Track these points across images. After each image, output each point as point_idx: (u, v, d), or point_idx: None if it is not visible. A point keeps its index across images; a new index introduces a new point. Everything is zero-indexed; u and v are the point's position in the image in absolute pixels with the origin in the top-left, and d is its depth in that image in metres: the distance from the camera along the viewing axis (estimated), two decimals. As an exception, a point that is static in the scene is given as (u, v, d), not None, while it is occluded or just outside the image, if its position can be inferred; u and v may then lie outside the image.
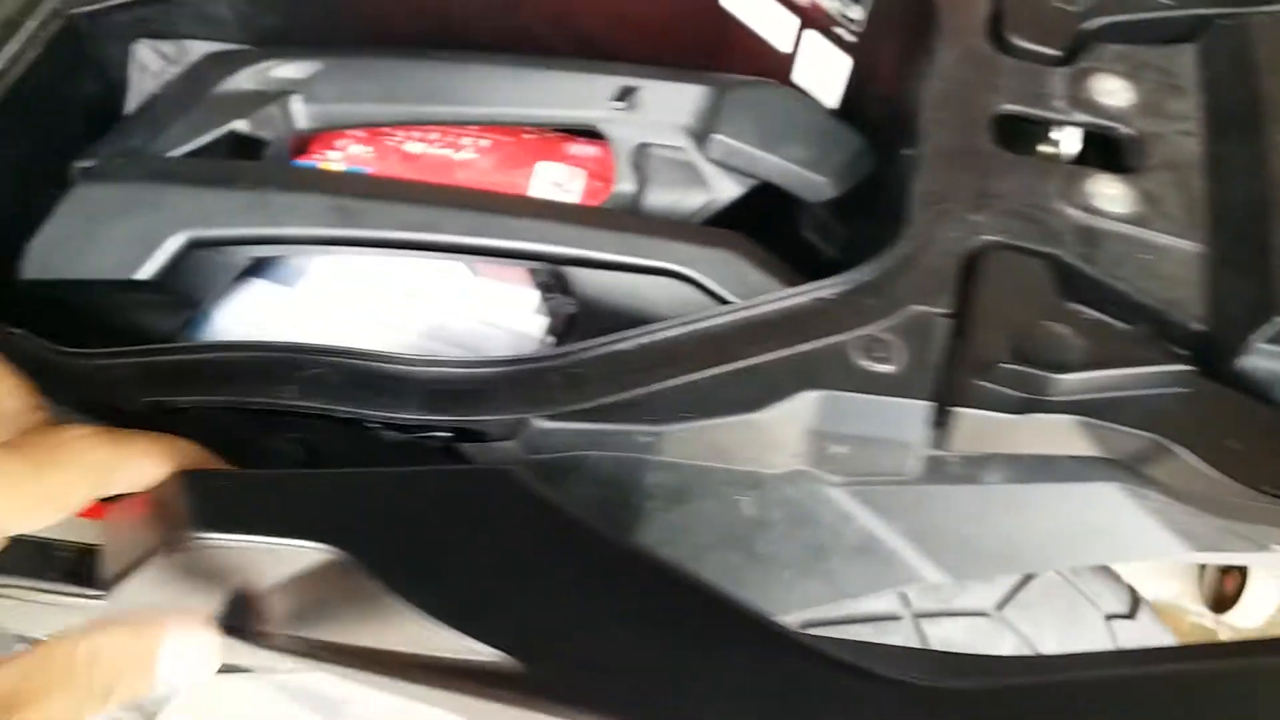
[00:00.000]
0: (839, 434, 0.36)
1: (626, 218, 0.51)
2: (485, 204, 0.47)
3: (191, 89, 0.55)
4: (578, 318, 0.47)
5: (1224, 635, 0.96)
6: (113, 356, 0.37)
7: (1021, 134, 0.43)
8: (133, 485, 0.30)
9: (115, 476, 0.30)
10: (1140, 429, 0.33)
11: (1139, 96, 0.43)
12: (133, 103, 0.56)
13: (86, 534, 0.41)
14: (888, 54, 0.50)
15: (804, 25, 0.53)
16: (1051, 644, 0.63)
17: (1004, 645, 0.63)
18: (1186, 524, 0.37)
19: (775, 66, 0.56)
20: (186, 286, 0.46)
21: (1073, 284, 0.37)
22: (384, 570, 0.27)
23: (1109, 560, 0.59)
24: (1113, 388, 0.34)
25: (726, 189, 0.53)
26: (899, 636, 0.62)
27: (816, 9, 0.52)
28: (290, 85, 0.55)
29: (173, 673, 0.30)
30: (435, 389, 0.36)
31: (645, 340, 0.37)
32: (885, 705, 0.25)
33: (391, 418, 0.35)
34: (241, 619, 0.32)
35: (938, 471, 0.37)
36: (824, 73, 0.54)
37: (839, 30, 0.52)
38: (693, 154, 0.53)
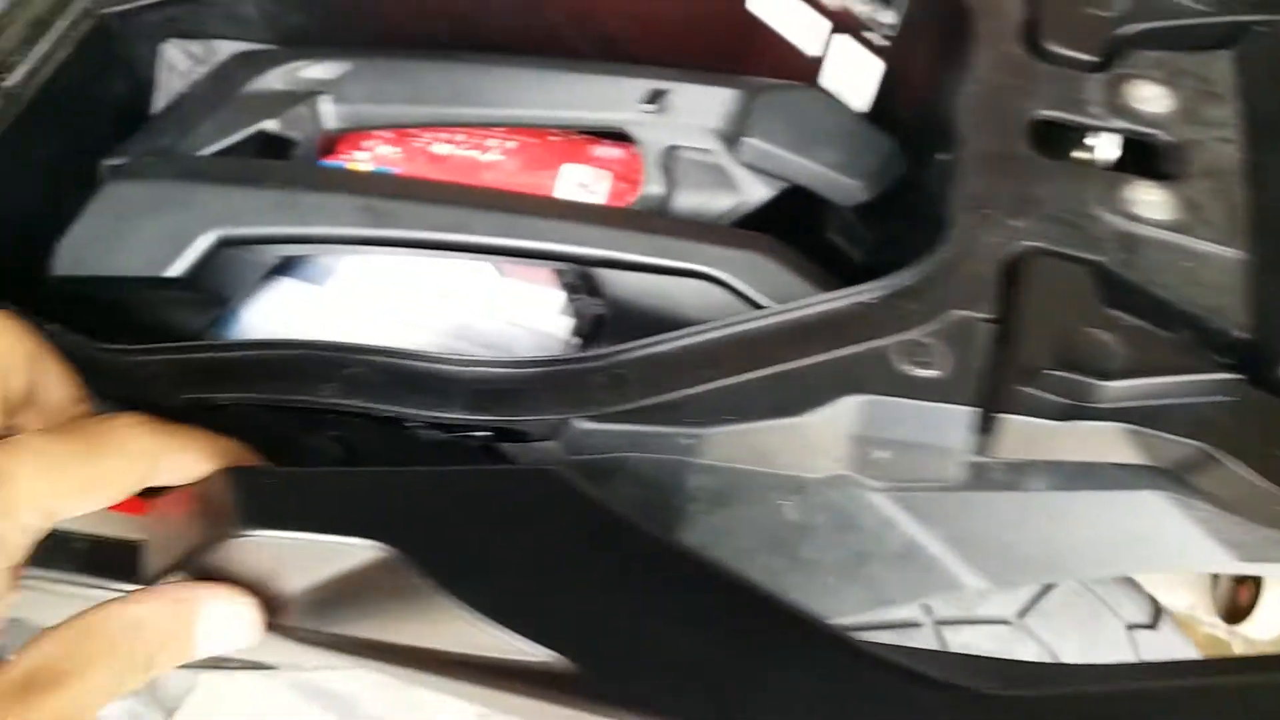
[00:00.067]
0: (881, 439, 0.36)
1: (656, 219, 0.51)
2: (513, 205, 0.47)
3: (220, 88, 0.55)
4: (605, 319, 0.46)
5: (1238, 647, 0.96)
6: (150, 353, 0.37)
7: (1058, 140, 0.43)
8: (178, 477, 0.30)
9: (162, 466, 0.30)
10: (1187, 437, 0.33)
11: (1177, 103, 0.43)
12: (160, 102, 0.56)
13: (104, 527, 0.40)
14: (921, 58, 0.50)
15: (835, 29, 0.53)
16: (1073, 653, 0.63)
17: (1025, 653, 0.63)
18: (1232, 534, 0.37)
19: (801, 69, 0.56)
20: (216, 284, 0.46)
21: (1113, 291, 0.37)
22: (434, 568, 0.27)
23: (1151, 569, 0.59)
24: (1158, 395, 0.34)
25: (756, 192, 0.53)
26: (920, 643, 0.62)
27: (847, 13, 0.52)
28: (319, 86, 0.55)
29: (212, 643, 0.30)
30: (478, 389, 0.36)
31: (686, 342, 0.37)
32: (948, 713, 0.25)
33: (436, 417, 0.35)
34: (278, 615, 0.31)
35: (980, 478, 0.37)
36: (854, 76, 0.54)
37: (869, 35, 0.52)
38: (722, 157, 0.53)
